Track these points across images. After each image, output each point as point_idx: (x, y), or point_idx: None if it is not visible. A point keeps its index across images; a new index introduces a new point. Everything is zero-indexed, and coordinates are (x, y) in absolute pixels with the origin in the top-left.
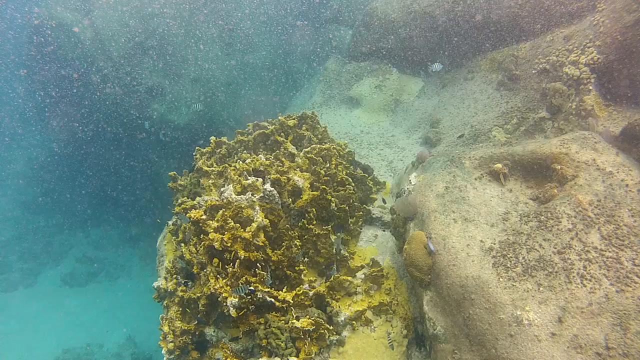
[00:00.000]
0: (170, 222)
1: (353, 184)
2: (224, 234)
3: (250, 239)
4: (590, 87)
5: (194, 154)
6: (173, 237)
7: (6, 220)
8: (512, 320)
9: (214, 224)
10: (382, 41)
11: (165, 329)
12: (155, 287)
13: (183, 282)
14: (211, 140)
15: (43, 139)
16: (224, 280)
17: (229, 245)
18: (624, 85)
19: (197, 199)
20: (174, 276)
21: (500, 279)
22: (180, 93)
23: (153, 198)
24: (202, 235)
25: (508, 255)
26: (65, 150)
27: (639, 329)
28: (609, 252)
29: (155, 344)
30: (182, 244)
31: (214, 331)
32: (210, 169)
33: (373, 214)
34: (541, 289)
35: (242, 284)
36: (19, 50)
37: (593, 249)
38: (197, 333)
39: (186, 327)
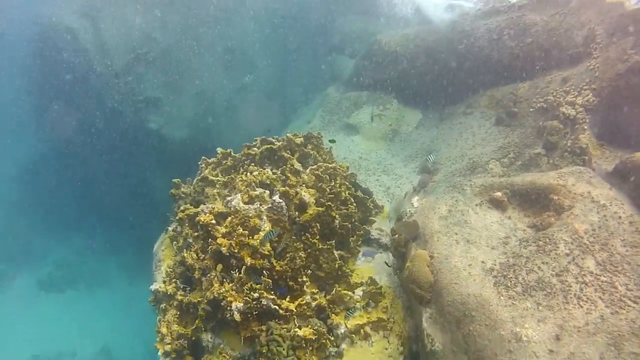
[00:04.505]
0: (170, 229)
1: (354, 204)
2: (232, 240)
3: (258, 247)
4: (585, 127)
5: (199, 163)
6: (174, 243)
7: None
8: (511, 337)
9: (223, 230)
10: (384, 72)
11: (164, 330)
12: (153, 290)
13: (182, 286)
14: (218, 152)
15: (34, 140)
16: (230, 285)
17: (236, 251)
18: (615, 127)
19: (201, 206)
20: (173, 280)
21: (501, 298)
22: (178, 107)
23: (142, 209)
24: (209, 240)
25: (508, 276)
26: (55, 154)
27: (632, 349)
28: (604, 276)
29: (130, 356)
30: (185, 250)
31: (211, 337)
32: (216, 178)
33: (371, 236)
34: (540, 308)
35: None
36: (17, 51)
37: (589, 273)
38: (193, 338)
39: (183, 331)
